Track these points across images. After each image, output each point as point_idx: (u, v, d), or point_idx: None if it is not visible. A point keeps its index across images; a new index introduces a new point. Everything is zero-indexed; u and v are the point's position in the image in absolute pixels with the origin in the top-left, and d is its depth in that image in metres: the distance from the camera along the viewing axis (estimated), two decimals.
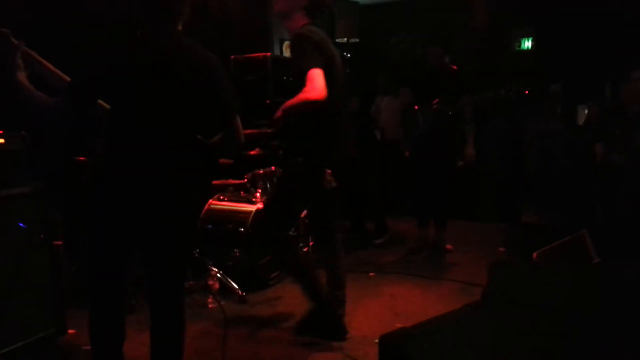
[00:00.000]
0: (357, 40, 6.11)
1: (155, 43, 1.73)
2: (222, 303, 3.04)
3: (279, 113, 2.44)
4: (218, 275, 3.36)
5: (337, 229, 2.94)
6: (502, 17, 6.46)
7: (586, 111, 5.18)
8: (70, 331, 2.74)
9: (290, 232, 3.82)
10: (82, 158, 3.25)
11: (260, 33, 5.42)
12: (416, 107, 4.43)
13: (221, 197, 3.78)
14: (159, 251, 1.81)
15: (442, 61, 4.32)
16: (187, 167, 1.80)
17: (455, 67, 4.46)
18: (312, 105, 2.35)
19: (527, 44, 6.71)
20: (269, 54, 4.63)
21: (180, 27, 1.80)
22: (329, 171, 2.62)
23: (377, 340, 1.35)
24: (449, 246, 4.56)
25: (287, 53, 5.88)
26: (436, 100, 4.23)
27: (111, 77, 1.70)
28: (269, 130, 4.14)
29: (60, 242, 2.61)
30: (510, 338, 0.97)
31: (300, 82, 2.38)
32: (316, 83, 2.33)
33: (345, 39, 6.22)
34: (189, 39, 1.80)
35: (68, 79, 1.82)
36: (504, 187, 6.51)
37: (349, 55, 6.63)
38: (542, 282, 1.17)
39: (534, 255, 3.39)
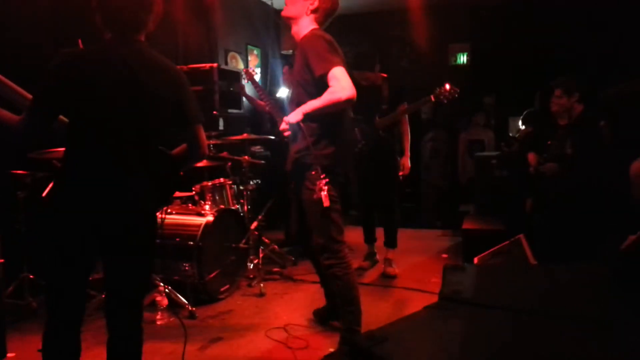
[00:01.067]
0: None
1: (118, 54, 1.71)
2: (178, 317, 2.96)
3: (296, 117, 2.31)
4: (166, 290, 3.28)
5: None
6: (439, 33, 6.77)
7: (520, 123, 5.50)
8: (9, 354, 2.60)
9: (242, 244, 3.82)
10: (22, 172, 3.12)
11: (205, 44, 5.39)
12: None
13: (168, 210, 3.71)
14: (123, 265, 1.77)
15: (364, 75, 4.07)
16: (152, 180, 1.78)
17: (385, 75, 4.33)
18: (344, 104, 2.28)
19: (463, 58, 7.07)
20: (215, 65, 4.61)
21: (143, 38, 1.79)
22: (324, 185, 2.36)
23: (331, 349, 1.37)
24: (394, 271, 4.18)
25: (232, 64, 5.87)
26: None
27: (72, 91, 1.66)
28: (218, 142, 4.13)
29: (1, 261, 2.48)
30: (467, 335, 1.04)
31: (310, 85, 2.35)
32: (344, 82, 2.25)
33: (291, 51, 6.29)
34: (152, 50, 1.79)
35: (29, 96, 1.76)
36: (444, 196, 6.79)
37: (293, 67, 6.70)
38: (492, 283, 1.26)
39: (475, 260, 3.57)
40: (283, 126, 2.43)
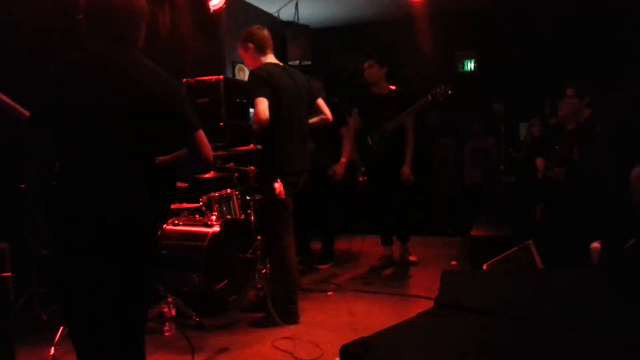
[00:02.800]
0: (309, 63, 6.24)
1: (114, 63, 1.71)
2: (184, 335, 2.94)
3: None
4: (174, 301, 3.30)
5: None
6: (446, 40, 6.76)
7: (527, 128, 5.46)
8: None
9: (249, 255, 3.84)
10: None
11: (212, 56, 5.45)
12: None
13: (176, 222, 3.73)
14: (121, 279, 1.75)
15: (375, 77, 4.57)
16: (148, 194, 1.76)
17: (394, 87, 4.66)
18: (255, 125, 3.07)
19: (470, 65, 7.05)
20: (221, 76, 4.65)
21: (137, 50, 1.80)
22: (278, 182, 3.12)
23: (337, 359, 1.38)
24: (413, 258, 4.73)
25: (239, 76, 5.92)
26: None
27: (64, 106, 1.66)
28: (224, 152, 4.16)
29: (9, 274, 2.50)
30: (461, 342, 1.03)
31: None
32: (258, 110, 3.04)
33: (298, 62, 6.32)
34: (147, 61, 1.80)
35: (27, 113, 1.77)
36: (453, 203, 6.74)
37: None
38: (489, 289, 1.25)
39: (484, 266, 3.53)
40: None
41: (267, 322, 3.24)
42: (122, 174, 1.73)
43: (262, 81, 3.11)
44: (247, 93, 3.24)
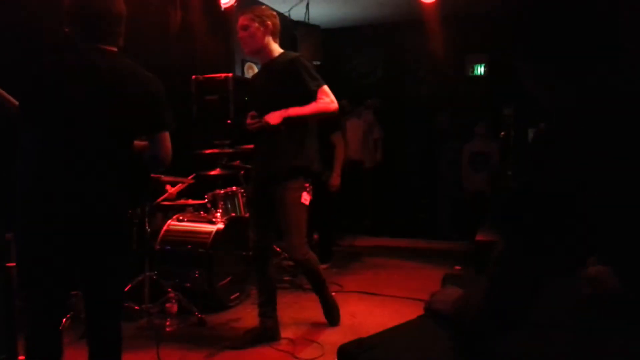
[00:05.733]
0: (319, 62, 6.24)
1: (88, 67, 1.78)
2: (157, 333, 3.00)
3: (276, 119, 2.73)
4: (176, 297, 3.31)
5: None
6: (456, 44, 6.74)
7: (534, 133, 5.42)
8: (21, 357, 2.64)
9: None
10: None
11: (222, 54, 5.46)
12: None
13: (180, 218, 3.75)
14: (93, 269, 1.83)
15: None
16: (121, 183, 1.84)
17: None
18: (329, 115, 2.87)
19: (480, 69, 7.02)
20: (230, 74, 4.67)
21: (116, 48, 1.87)
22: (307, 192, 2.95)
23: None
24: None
25: (248, 74, 5.93)
26: None
27: (40, 98, 1.76)
28: (231, 150, 4.17)
29: (12, 264, 2.52)
30: (460, 345, 1.03)
31: (292, 98, 2.77)
32: (333, 97, 2.85)
33: None
34: (127, 61, 1.86)
35: (15, 101, 1.83)
36: (460, 207, 6.71)
37: None
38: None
39: None
40: (252, 122, 2.83)
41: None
42: (94, 163, 1.79)
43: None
44: (301, 78, 2.82)
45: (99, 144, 1.79)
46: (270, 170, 2.92)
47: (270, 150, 2.92)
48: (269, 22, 2.92)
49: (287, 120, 2.74)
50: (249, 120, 2.88)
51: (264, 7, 3.12)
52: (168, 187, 3.92)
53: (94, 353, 1.90)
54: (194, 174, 3.83)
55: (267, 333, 3.01)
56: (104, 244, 1.81)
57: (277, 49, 2.98)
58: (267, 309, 3.04)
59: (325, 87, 2.84)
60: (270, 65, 2.97)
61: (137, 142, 1.94)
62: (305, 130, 2.92)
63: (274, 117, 2.73)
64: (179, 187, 3.91)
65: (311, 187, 2.96)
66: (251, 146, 4.18)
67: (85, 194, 1.77)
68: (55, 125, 1.77)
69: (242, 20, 2.92)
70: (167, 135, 1.90)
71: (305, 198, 2.90)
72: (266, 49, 2.95)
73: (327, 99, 2.83)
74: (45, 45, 2.20)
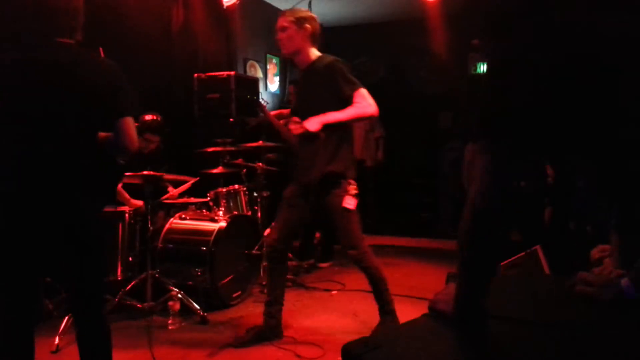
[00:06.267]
0: None
1: (48, 58, 1.82)
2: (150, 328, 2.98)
3: (314, 125, 2.70)
4: (178, 295, 3.30)
5: None
6: (459, 42, 6.72)
7: None
8: None
9: (255, 251, 3.83)
10: None
11: (225, 52, 5.46)
12: None
13: (182, 216, 3.75)
14: (68, 261, 1.87)
15: None
16: (89, 178, 1.87)
17: None
18: (367, 118, 2.90)
19: (483, 68, 7.00)
20: (233, 73, 4.67)
21: (74, 41, 1.91)
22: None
23: (340, 359, 1.37)
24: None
25: (250, 72, 5.92)
26: None
27: (1, 96, 1.80)
28: (233, 148, 4.17)
29: None
30: (464, 344, 1.02)
31: (327, 102, 2.76)
32: (371, 100, 2.78)
33: None
34: (84, 51, 1.91)
35: None
36: (462, 206, 6.69)
37: None
38: (494, 293, 1.23)
39: None
40: (296, 127, 2.78)
41: None
42: (60, 158, 1.82)
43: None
44: (337, 81, 2.80)
45: (64, 137, 1.82)
46: (309, 177, 2.90)
47: (308, 156, 2.90)
48: (307, 26, 2.90)
49: (326, 127, 2.72)
50: (291, 126, 2.88)
51: (304, 9, 3.10)
52: (170, 188, 3.92)
53: (82, 348, 1.93)
54: (197, 178, 3.83)
55: (270, 332, 2.99)
56: (73, 241, 1.85)
57: (314, 53, 2.96)
58: (273, 309, 3.02)
59: (362, 91, 2.77)
60: (308, 69, 2.97)
61: (100, 133, 1.97)
62: (341, 135, 2.88)
63: (313, 124, 2.72)
64: (181, 189, 3.91)
65: (355, 191, 2.87)
66: (253, 144, 4.20)
67: (52, 190, 1.80)
68: (18, 122, 1.80)
69: (280, 22, 2.93)
70: (129, 121, 1.91)
71: (349, 202, 2.82)
72: (303, 53, 2.94)
73: (363, 102, 2.76)
74: (2, 42, 2.23)
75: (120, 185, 3.54)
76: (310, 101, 2.93)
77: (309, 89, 2.97)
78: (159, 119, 3.75)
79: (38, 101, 1.80)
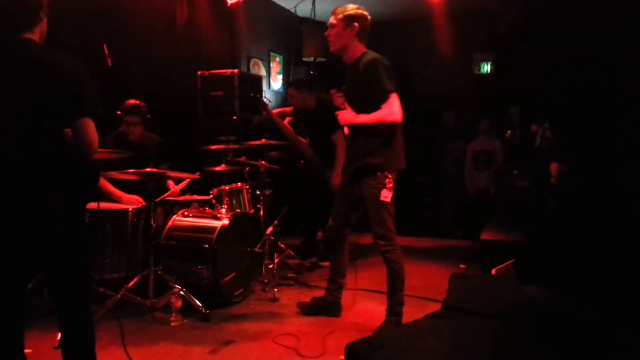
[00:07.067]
0: (324, 59, 6.22)
1: (11, 54, 1.84)
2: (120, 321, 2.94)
3: (345, 120, 2.98)
4: (181, 292, 3.31)
5: None
6: (463, 42, 6.71)
7: (539, 134, 5.39)
8: (27, 350, 2.63)
9: (257, 249, 3.84)
10: None
11: (228, 50, 5.46)
12: None
13: (185, 213, 3.75)
14: (48, 263, 1.89)
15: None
16: (58, 175, 1.87)
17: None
18: (389, 125, 2.91)
19: (487, 67, 6.99)
20: (236, 70, 4.67)
21: (35, 36, 1.91)
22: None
23: (341, 357, 1.37)
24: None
25: (254, 70, 5.92)
26: None
27: None
28: (236, 146, 4.17)
29: None
30: (467, 345, 1.02)
31: (365, 101, 2.91)
32: (397, 106, 2.88)
33: (313, 58, 6.31)
34: (49, 48, 1.91)
35: None
36: (464, 205, 6.70)
37: (315, 74, 6.73)
38: (496, 293, 1.24)
39: (493, 271, 3.50)
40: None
41: None
42: (28, 155, 1.81)
43: (393, 75, 2.94)
44: (372, 80, 2.88)
45: (26, 134, 1.81)
46: (353, 167, 3.06)
47: (353, 148, 3.09)
48: (356, 24, 2.97)
49: (353, 127, 2.97)
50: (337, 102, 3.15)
51: (355, 6, 3.08)
52: (171, 184, 3.93)
53: (64, 341, 1.96)
54: (196, 175, 3.82)
55: (326, 307, 3.32)
56: (45, 240, 1.85)
57: (360, 50, 3.03)
58: (332, 287, 3.33)
59: (392, 97, 2.86)
60: (352, 66, 3.05)
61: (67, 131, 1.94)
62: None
63: (344, 119, 2.98)
64: (181, 185, 3.92)
65: (392, 184, 2.97)
66: (256, 142, 4.20)
67: (15, 188, 1.80)
68: None
69: (331, 18, 3.03)
70: (88, 123, 1.86)
71: (385, 195, 2.92)
72: (349, 50, 3.03)
73: (388, 109, 2.86)
74: None
75: (107, 183, 3.52)
76: (352, 95, 3.07)
77: (351, 84, 3.09)
78: (139, 103, 3.73)
79: (2, 97, 1.81)
